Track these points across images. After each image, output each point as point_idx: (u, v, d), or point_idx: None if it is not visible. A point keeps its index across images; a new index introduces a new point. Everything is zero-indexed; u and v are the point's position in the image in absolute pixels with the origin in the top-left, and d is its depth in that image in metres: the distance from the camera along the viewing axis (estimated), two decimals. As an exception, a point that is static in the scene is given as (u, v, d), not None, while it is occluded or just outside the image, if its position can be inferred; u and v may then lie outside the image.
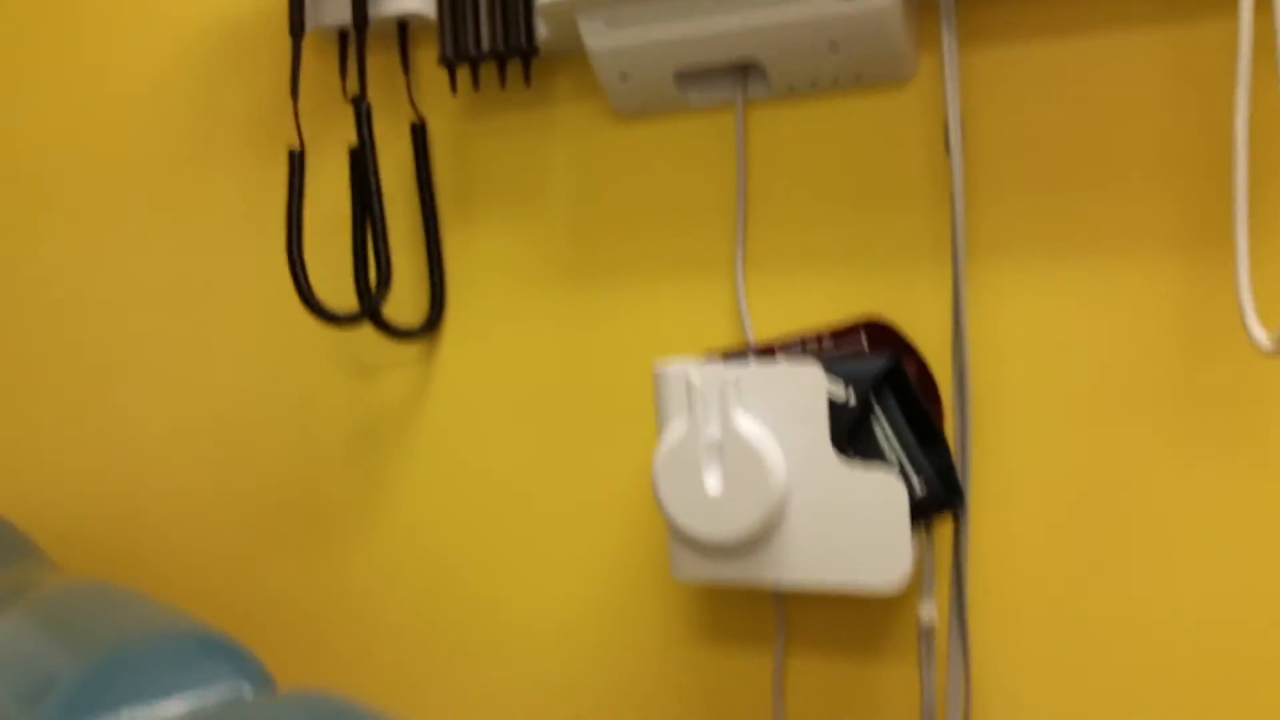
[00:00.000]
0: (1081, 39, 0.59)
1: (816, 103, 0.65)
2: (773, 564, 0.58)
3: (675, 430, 0.58)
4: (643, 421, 0.72)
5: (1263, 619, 0.57)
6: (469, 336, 0.77)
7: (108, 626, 0.55)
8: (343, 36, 0.76)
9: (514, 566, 0.77)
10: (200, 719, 0.44)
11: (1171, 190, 0.58)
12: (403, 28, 0.74)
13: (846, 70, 0.62)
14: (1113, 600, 0.60)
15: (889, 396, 0.56)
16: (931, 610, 0.61)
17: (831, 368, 0.56)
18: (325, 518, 0.84)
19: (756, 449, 0.56)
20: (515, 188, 0.75)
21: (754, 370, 0.57)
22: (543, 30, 0.67)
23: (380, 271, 0.73)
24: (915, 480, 0.56)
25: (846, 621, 0.67)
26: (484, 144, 0.75)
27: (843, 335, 0.62)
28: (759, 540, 0.58)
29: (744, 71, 0.66)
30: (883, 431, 0.57)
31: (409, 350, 0.79)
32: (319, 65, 0.81)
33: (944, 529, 0.64)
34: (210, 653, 0.52)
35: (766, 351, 0.63)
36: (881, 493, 0.55)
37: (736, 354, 0.63)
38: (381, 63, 0.78)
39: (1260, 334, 0.49)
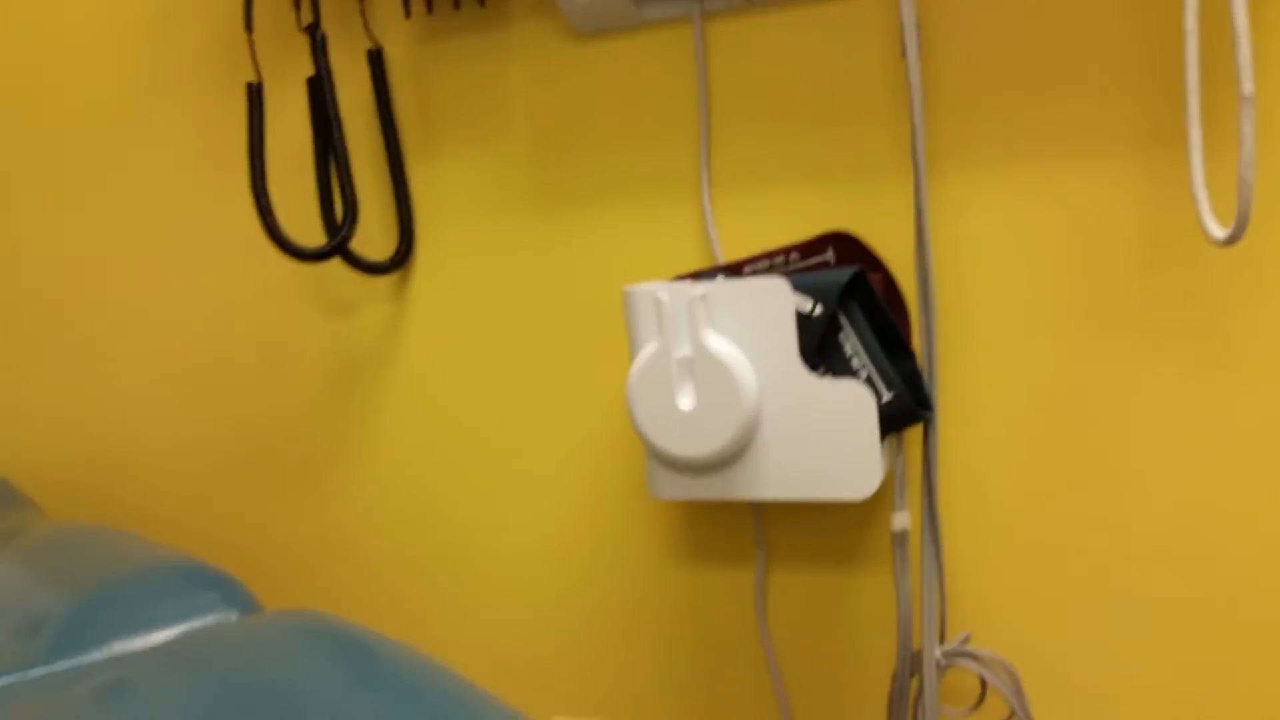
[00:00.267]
0: (1042, -61, 0.59)
1: (774, 13, 0.65)
2: (748, 478, 0.59)
3: (647, 350, 0.59)
4: (616, 347, 0.72)
5: (1222, 512, 0.59)
6: (439, 268, 0.77)
7: (97, 564, 0.56)
8: (294, -36, 0.74)
9: (494, 495, 0.78)
10: (190, 640, 0.45)
11: (1128, 92, 0.58)
12: (355, -48, 0.72)
13: (806, -20, 0.61)
14: (1079, 501, 0.62)
15: (855, 309, 0.57)
16: (904, 519, 0.62)
17: (797, 281, 0.57)
18: (305, 454, 0.84)
19: (727, 364, 0.57)
20: (476, 114, 0.74)
21: (720, 285, 0.57)
22: (497, -51, 0.65)
23: (346, 204, 0.73)
24: (884, 390, 0.57)
25: (824, 533, 0.68)
26: (442, 69, 0.74)
27: (810, 250, 0.62)
28: (734, 455, 0.59)
29: (703, -15, 0.65)
30: (850, 344, 0.57)
31: (380, 285, 0.79)
32: (272, -5, 0.79)
33: (914, 438, 0.65)
34: (198, 583, 0.53)
35: (735, 270, 0.63)
36: (851, 403, 0.56)
37: (705, 274, 0.64)
38: (336, -10, 0.77)
39: (1214, 227, 0.49)
